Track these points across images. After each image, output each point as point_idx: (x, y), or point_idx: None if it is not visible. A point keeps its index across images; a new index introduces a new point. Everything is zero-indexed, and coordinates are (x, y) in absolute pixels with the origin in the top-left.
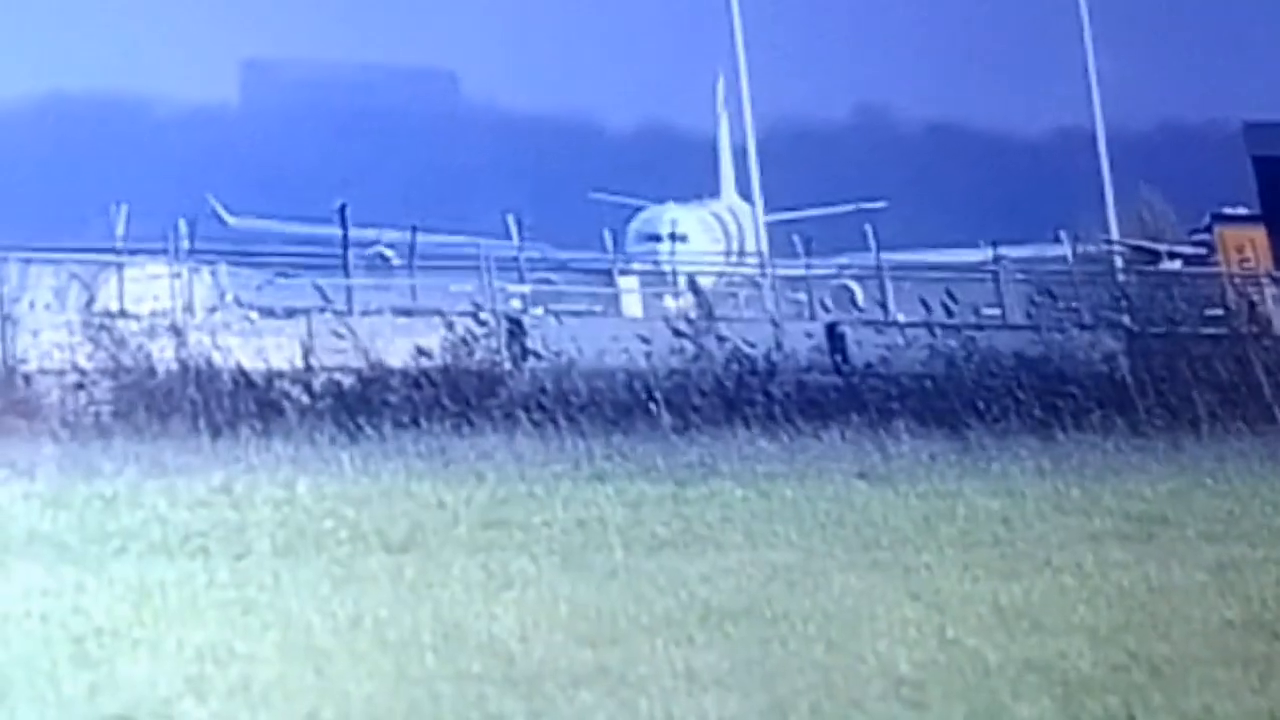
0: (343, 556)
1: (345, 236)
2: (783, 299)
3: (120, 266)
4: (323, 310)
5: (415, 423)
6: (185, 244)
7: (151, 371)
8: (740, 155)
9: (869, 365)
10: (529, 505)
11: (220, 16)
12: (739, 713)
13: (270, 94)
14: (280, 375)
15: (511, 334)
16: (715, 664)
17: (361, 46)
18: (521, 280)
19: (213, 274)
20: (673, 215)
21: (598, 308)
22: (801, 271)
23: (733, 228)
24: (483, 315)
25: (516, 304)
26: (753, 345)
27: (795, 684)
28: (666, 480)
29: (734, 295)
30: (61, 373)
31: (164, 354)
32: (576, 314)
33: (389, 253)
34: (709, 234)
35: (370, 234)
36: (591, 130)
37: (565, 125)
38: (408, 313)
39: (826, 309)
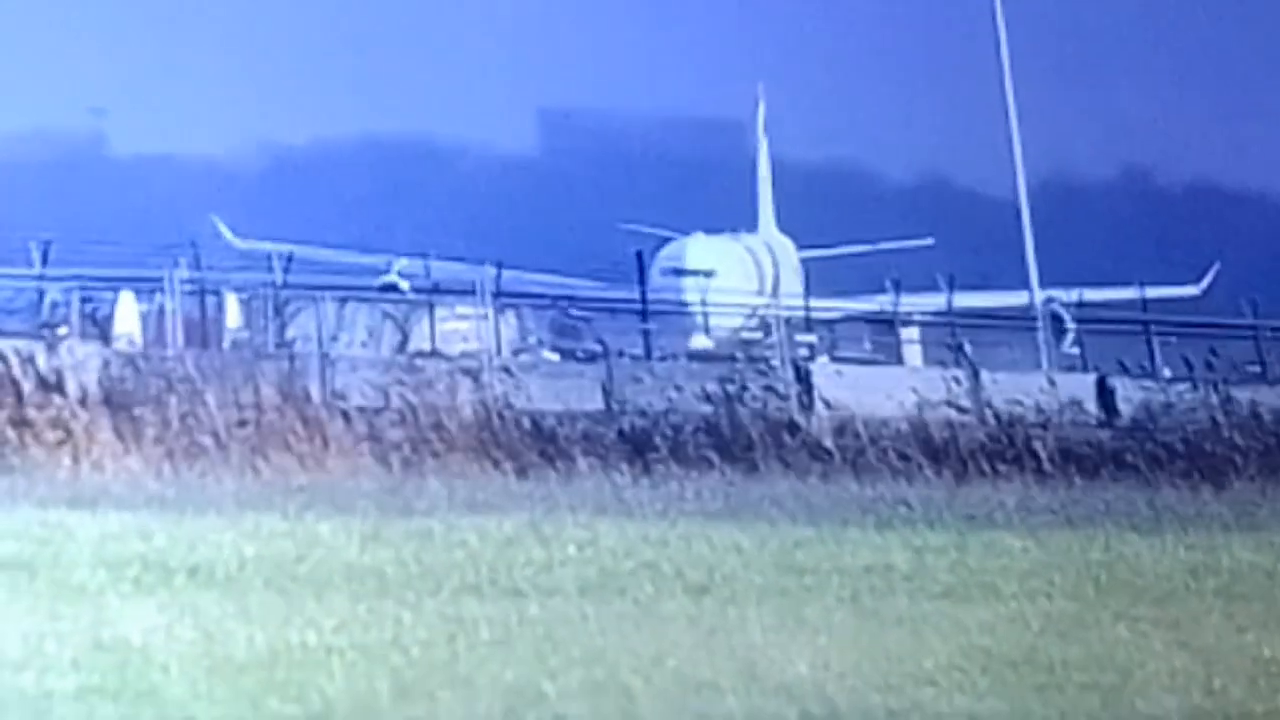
0: (645, 597)
1: (644, 285)
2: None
3: (431, 308)
4: (621, 354)
5: (710, 467)
6: (491, 288)
7: (460, 411)
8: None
9: (1136, 420)
10: (819, 551)
11: (523, 66)
12: None
13: (568, 142)
14: (582, 417)
15: (800, 381)
16: (996, 710)
17: (655, 95)
18: (809, 329)
19: (518, 317)
20: (699, 248)
21: (880, 357)
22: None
23: (767, 263)
24: (773, 362)
25: (804, 352)
26: (1022, 400)
27: None
28: (948, 529)
29: (764, 335)
30: (377, 411)
31: (472, 394)
32: (860, 362)
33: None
34: (740, 269)
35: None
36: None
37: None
38: (703, 358)
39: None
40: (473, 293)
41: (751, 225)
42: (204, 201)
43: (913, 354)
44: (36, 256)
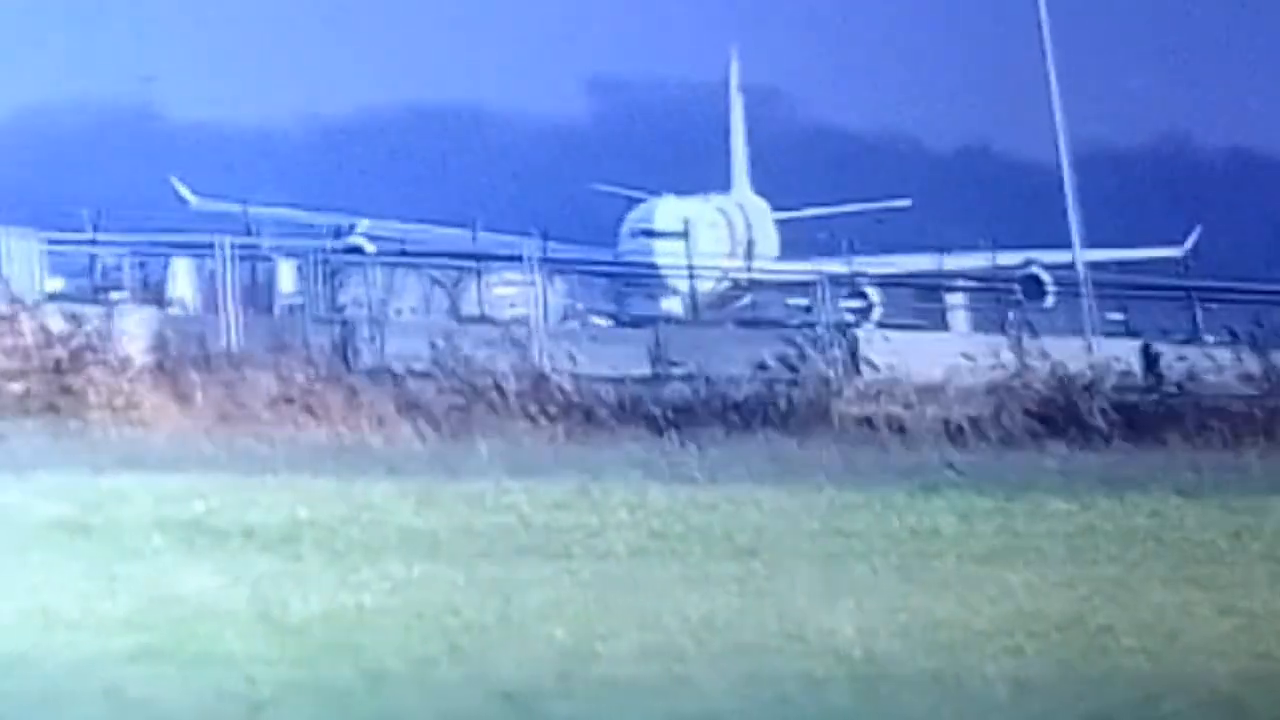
0: (694, 560)
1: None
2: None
3: (480, 274)
4: (668, 320)
5: (756, 432)
6: (538, 254)
7: (509, 376)
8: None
9: (1180, 385)
10: (865, 515)
11: (569, 33)
12: (1067, 719)
13: (615, 110)
14: (629, 382)
15: (846, 347)
16: (1043, 672)
17: (697, 64)
18: (854, 295)
19: (565, 283)
20: (669, 209)
21: (924, 322)
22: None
23: (739, 224)
24: (818, 328)
25: (850, 318)
26: (1068, 365)
27: (1118, 694)
28: (994, 493)
29: (738, 296)
30: (428, 375)
31: (520, 359)
32: (905, 328)
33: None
34: (712, 230)
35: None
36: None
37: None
38: (748, 324)
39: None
40: (520, 259)
41: (784, 193)
42: (252, 168)
43: (958, 319)
44: (88, 222)
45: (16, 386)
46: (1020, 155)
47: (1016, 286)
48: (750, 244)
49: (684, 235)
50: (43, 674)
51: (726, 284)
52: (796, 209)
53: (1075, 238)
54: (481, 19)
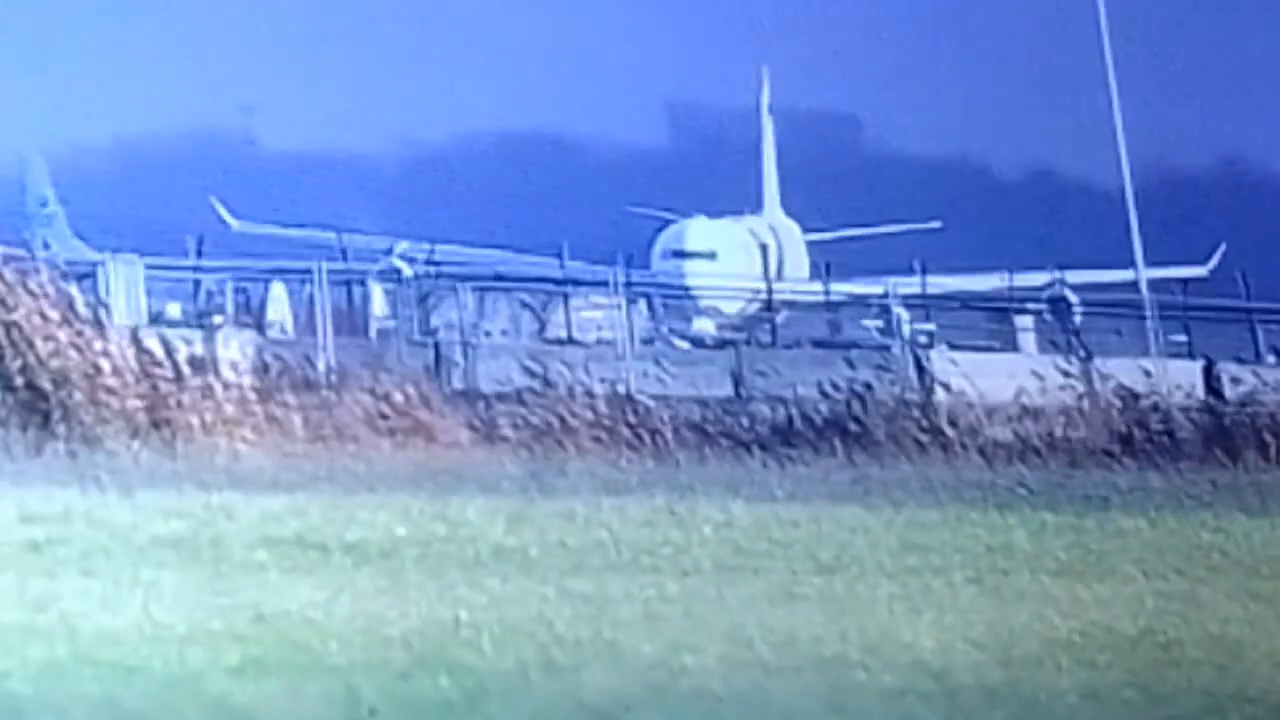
0: (778, 576)
1: (771, 279)
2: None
3: (566, 298)
4: (749, 342)
5: (835, 452)
6: (622, 278)
7: (596, 396)
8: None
9: (1243, 404)
10: (942, 531)
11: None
12: None
13: (692, 134)
14: (712, 403)
15: (918, 368)
16: (1116, 684)
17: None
18: (928, 317)
19: (649, 306)
20: (701, 230)
21: (996, 344)
22: (874, 291)
23: (772, 246)
24: (893, 349)
25: (923, 339)
26: (1129, 385)
27: (1186, 705)
28: (1065, 510)
29: (770, 320)
30: (518, 396)
31: (607, 381)
32: (977, 349)
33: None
34: (744, 252)
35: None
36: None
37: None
38: (825, 345)
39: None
40: (605, 284)
41: (854, 215)
42: (349, 196)
43: (1027, 340)
44: (192, 249)
45: (123, 408)
46: (1082, 178)
47: (1045, 305)
48: (781, 265)
49: (712, 256)
50: (152, 686)
51: (757, 305)
52: (838, 230)
53: (1139, 259)
54: (562, 47)
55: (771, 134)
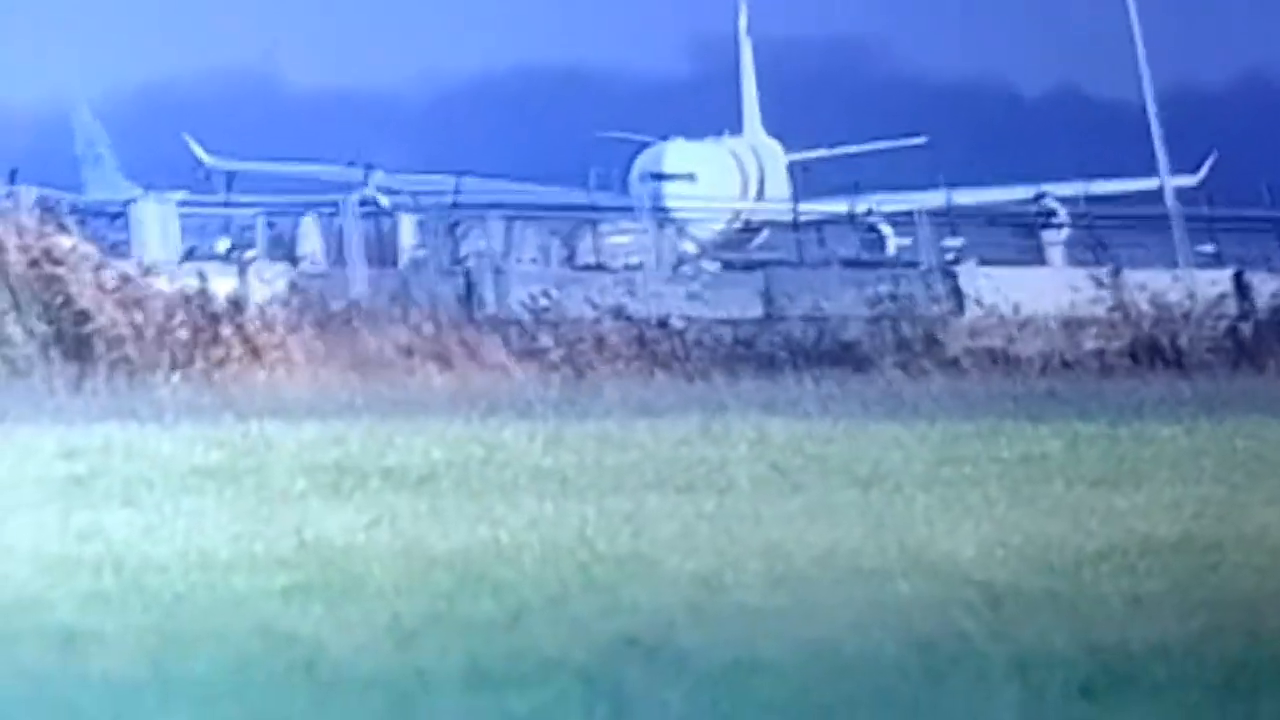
0: (814, 491)
1: (796, 201)
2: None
3: (595, 224)
4: (779, 263)
5: (867, 367)
6: (649, 204)
7: (627, 320)
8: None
9: (1276, 310)
10: (976, 443)
11: None
12: (1181, 634)
13: (715, 64)
14: (744, 324)
15: (948, 284)
16: (1156, 590)
17: (782, 18)
18: (954, 233)
19: (676, 231)
20: (680, 152)
21: (1025, 258)
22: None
23: (752, 166)
24: (922, 267)
25: (951, 256)
26: (1163, 295)
27: (1227, 607)
28: (1099, 419)
29: (750, 237)
30: (550, 321)
31: (637, 304)
32: (1006, 264)
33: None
34: (723, 173)
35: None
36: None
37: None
38: (854, 264)
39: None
40: (632, 210)
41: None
42: (372, 131)
43: (1055, 254)
44: (221, 185)
45: (161, 342)
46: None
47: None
48: (762, 184)
49: (691, 178)
50: (199, 612)
51: (738, 225)
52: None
53: (1164, 171)
54: None
55: (750, 56)
